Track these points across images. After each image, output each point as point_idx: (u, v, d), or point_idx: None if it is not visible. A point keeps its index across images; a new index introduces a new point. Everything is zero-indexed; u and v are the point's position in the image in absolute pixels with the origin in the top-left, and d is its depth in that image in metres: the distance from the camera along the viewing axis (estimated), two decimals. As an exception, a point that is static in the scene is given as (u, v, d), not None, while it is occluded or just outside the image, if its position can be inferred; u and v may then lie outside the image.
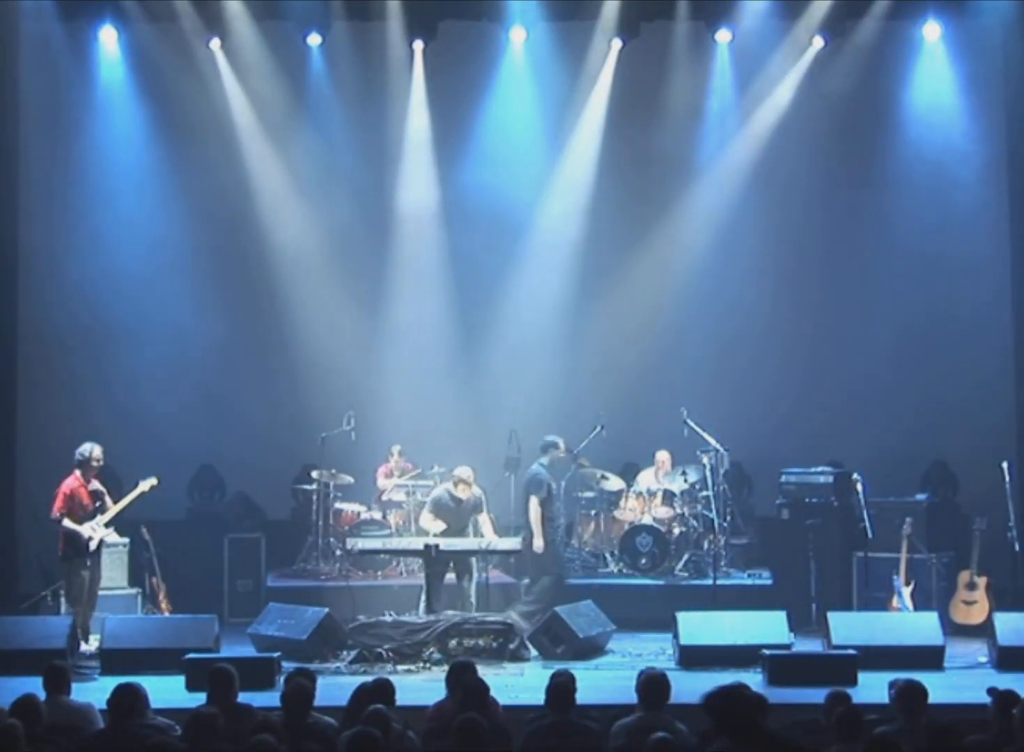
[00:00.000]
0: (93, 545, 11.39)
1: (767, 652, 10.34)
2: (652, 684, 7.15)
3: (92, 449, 11.52)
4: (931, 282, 14.25)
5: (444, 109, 14.41)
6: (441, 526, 12.07)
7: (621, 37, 13.92)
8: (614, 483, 13.66)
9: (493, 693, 7.78)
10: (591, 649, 11.42)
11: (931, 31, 13.94)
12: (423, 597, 11.87)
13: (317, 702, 7.32)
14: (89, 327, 13.85)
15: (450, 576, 12.06)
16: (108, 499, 11.57)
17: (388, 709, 7.06)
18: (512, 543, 11.97)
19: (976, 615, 12.10)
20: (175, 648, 10.55)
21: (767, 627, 11.04)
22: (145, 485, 11.79)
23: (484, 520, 12.16)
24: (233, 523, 13.91)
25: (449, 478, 12.41)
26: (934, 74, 14.06)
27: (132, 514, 11.85)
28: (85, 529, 11.40)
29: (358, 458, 13.71)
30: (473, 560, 12.04)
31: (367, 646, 11.12)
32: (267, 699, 8.17)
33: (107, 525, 11.51)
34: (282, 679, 8.83)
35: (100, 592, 11.62)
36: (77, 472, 11.50)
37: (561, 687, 7.24)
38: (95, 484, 11.60)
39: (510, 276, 14.48)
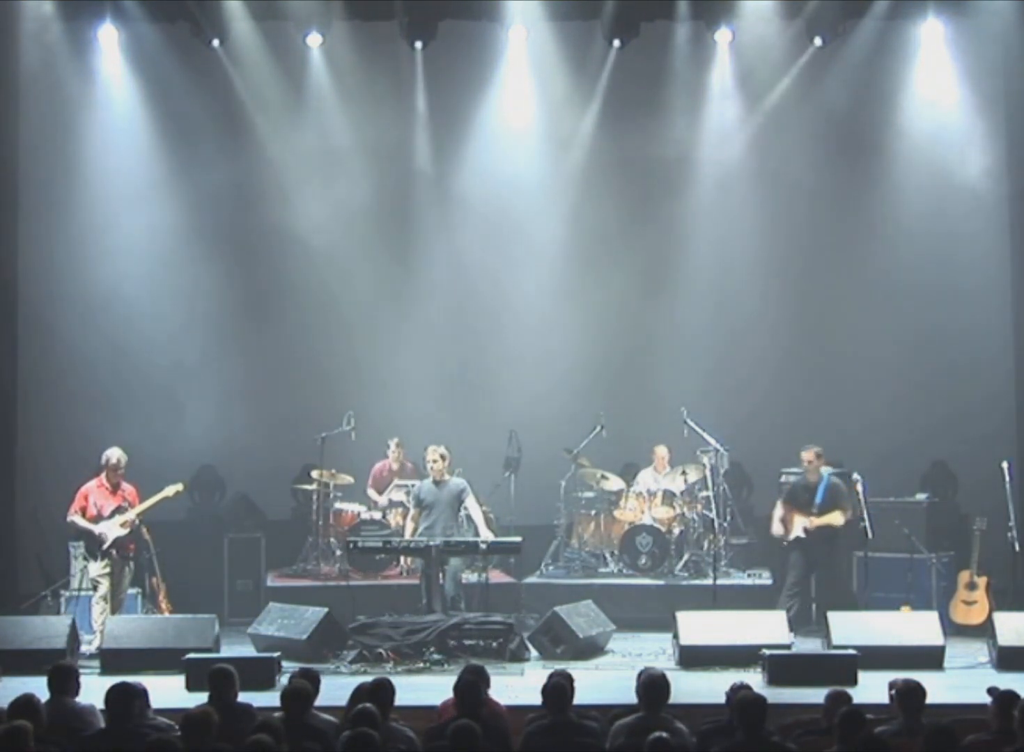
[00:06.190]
0: (105, 543, 11.50)
1: (767, 652, 10.34)
2: (652, 684, 7.15)
3: (110, 454, 11.73)
4: (931, 282, 14.23)
5: (444, 109, 14.40)
6: (411, 528, 12.13)
7: (621, 37, 13.90)
8: (614, 483, 13.66)
9: (493, 693, 7.80)
10: (591, 649, 11.42)
11: (931, 31, 13.93)
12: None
13: (317, 702, 7.32)
14: (89, 327, 13.84)
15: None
16: (133, 501, 11.72)
17: (388, 709, 7.08)
18: (512, 542, 11.97)
19: (976, 615, 12.11)
20: (175, 648, 10.57)
21: (767, 627, 11.05)
22: (170, 490, 11.87)
23: (472, 505, 12.08)
24: (233, 523, 13.91)
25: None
26: (934, 74, 14.04)
27: (132, 514, 11.88)
28: (99, 528, 11.54)
29: (358, 458, 13.72)
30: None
31: (367, 646, 11.13)
32: (267, 699, 8.18)
33: (123, 526, 11.58)
34: (285, 679, 8.84)
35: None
36: (102, 475, 11.70)
37: (557, 687, 7.24)
38: (124, 486, 11.75)
39: (509, 275, 14.47)
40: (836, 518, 12.24)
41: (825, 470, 12.46)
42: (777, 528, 12.52)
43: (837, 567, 12.43)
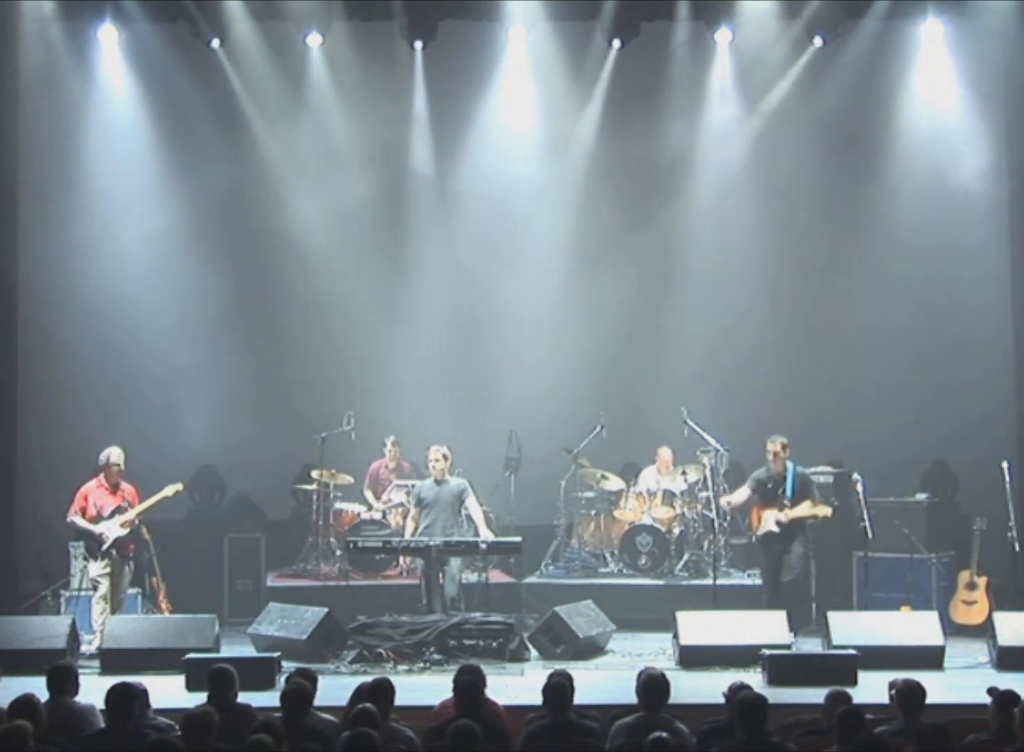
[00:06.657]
0: (105, 543, 11.52)
1: (767, 652, 10.34)
2: (652, 684, 7.15)
3: (109, 454, 11.73)
4: (931, 281, 14.25)
5: (444, 109, 14.40)
6: (412, 528, 12.13)
7: (621, 37, 13.90)
8: (614, 483, 13.66)
9: (493, 693, 7.80)
10: (591, 649, 11.42)
11: (931, 31, 13.92)
12: None
13: (317, 702, 7.32)
14: (88, 328, 13.85)
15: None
16: (133, 501, 11.73)
17: (388, 709, 7.08)
18: (512, 542, 11.97)
19: (976, 615, 12.12)
20: (175, 648, 10.58)
21: (767, 627, 11.04)
22: (169, 490, 11.88)
23: (473, 505, 12.09)
24: (233, 523, 13.91)
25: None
26: (934, 74, 14.03)
27: (132, 514, 11.88)
28: (99, 528, 11.55)
29: (358, 458, 13.72)
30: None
31: (367, 646, 11.13)
32: (267, 699, 8.18)
33: (123, 526, 11.60)
34: (283, 679, 8.83)
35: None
36: (101, 475, 11.70)
37: (557, 687, 7.24)
38: (123, 486, 11.76)
39: (509, 275, 14.47)
40: (823, 510, 11.98)
41: (790, 461, 12.20)
42: (728, 500, 12.52)
43: (792, 568, 12.06)
